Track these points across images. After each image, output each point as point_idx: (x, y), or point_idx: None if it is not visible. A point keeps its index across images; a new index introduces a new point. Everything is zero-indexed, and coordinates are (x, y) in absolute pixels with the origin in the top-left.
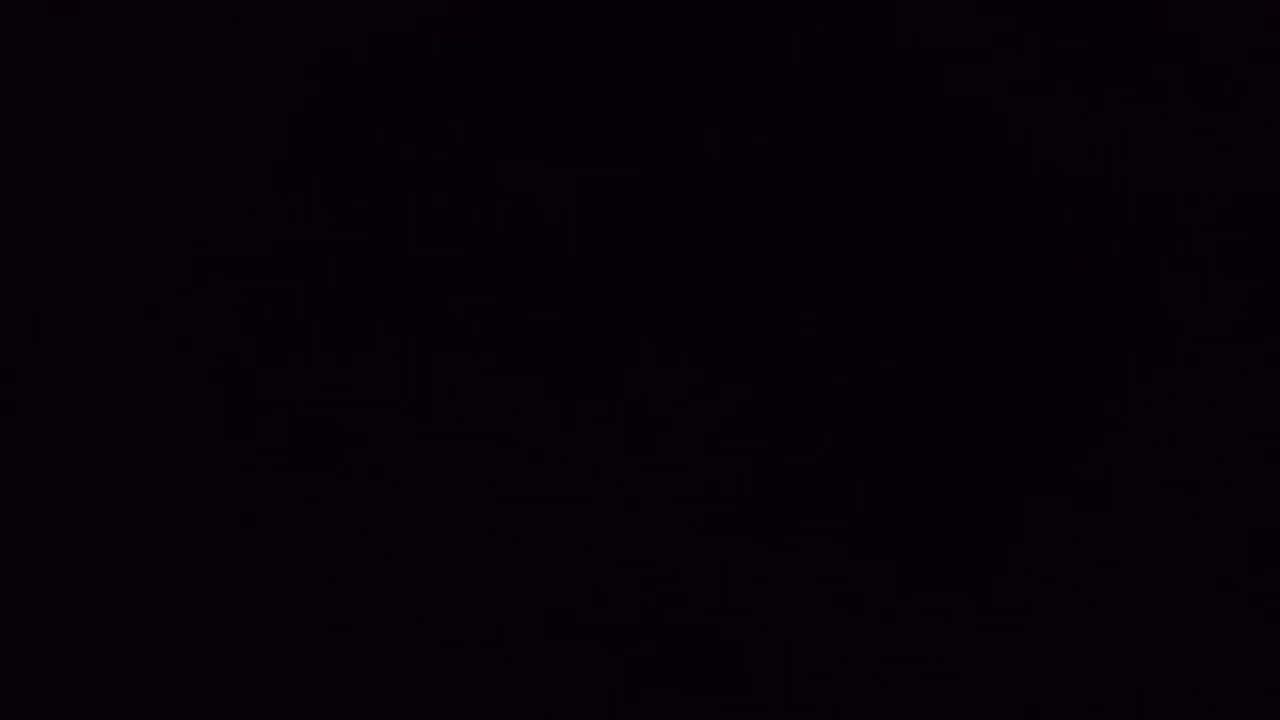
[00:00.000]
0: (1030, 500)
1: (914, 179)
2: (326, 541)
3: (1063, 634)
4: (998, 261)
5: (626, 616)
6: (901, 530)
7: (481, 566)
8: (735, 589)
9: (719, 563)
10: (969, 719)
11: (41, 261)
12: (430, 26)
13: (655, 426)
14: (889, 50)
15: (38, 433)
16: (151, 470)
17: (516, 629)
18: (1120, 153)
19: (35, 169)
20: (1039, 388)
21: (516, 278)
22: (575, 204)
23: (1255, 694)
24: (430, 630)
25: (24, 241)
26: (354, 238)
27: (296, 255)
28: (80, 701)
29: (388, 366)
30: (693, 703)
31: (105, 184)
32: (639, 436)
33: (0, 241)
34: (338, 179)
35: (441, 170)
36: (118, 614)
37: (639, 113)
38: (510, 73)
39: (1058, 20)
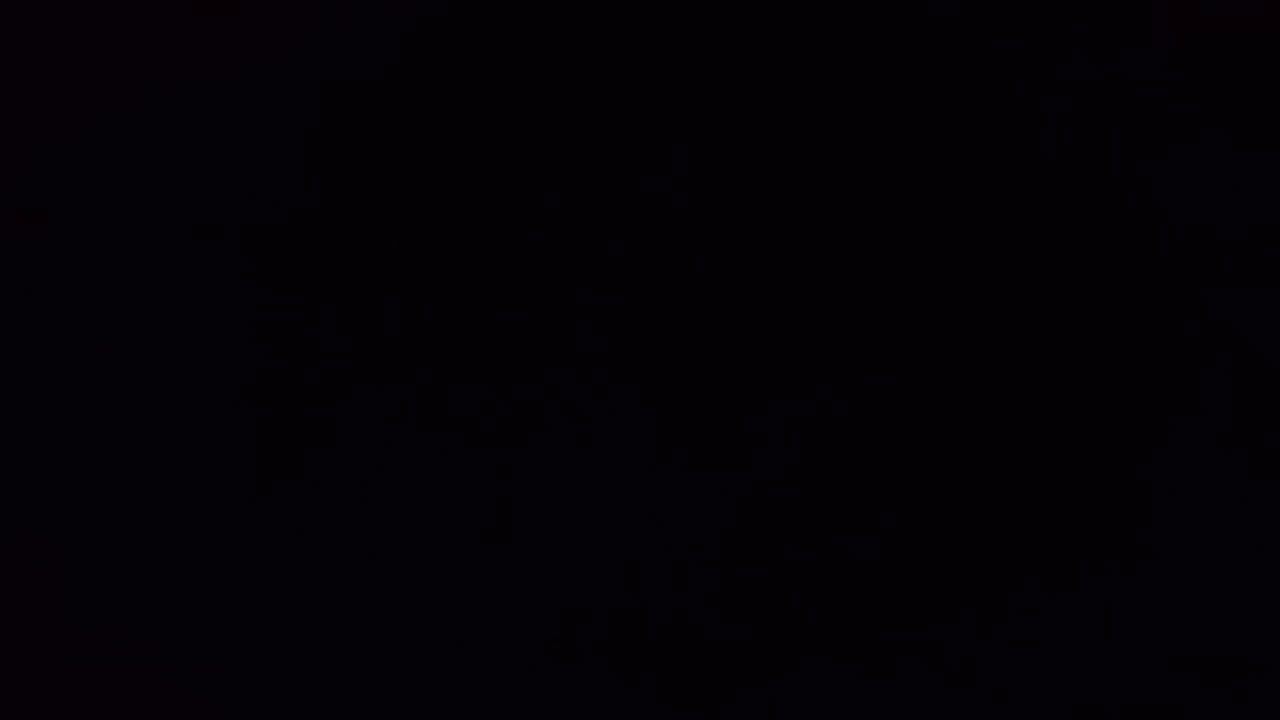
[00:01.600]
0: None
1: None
2: (327, 546)
3: (1066, 637)
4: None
5: (650, 626)
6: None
7: (481, 576)
8: (752, 601)
9: (739, 574)
10: None
11: (69, 272)
12: (436, 34)
13: (687, 428)
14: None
15: (39, 434)
16: (152, 477)
17: (522, 636)
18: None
19: (61, 180)
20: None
21: (522, 281)
22: (583, 204)
23: None
24: (433, 636)
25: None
26: (366, 244)
27: (308, 259)
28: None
29: (401, 373)
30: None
31: (126, 194)
32: (662, 441)
33: (23, 252)
34: (348, 188)
35: (452, 178)
36: (121, 614)
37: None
38: (523, 72)
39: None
